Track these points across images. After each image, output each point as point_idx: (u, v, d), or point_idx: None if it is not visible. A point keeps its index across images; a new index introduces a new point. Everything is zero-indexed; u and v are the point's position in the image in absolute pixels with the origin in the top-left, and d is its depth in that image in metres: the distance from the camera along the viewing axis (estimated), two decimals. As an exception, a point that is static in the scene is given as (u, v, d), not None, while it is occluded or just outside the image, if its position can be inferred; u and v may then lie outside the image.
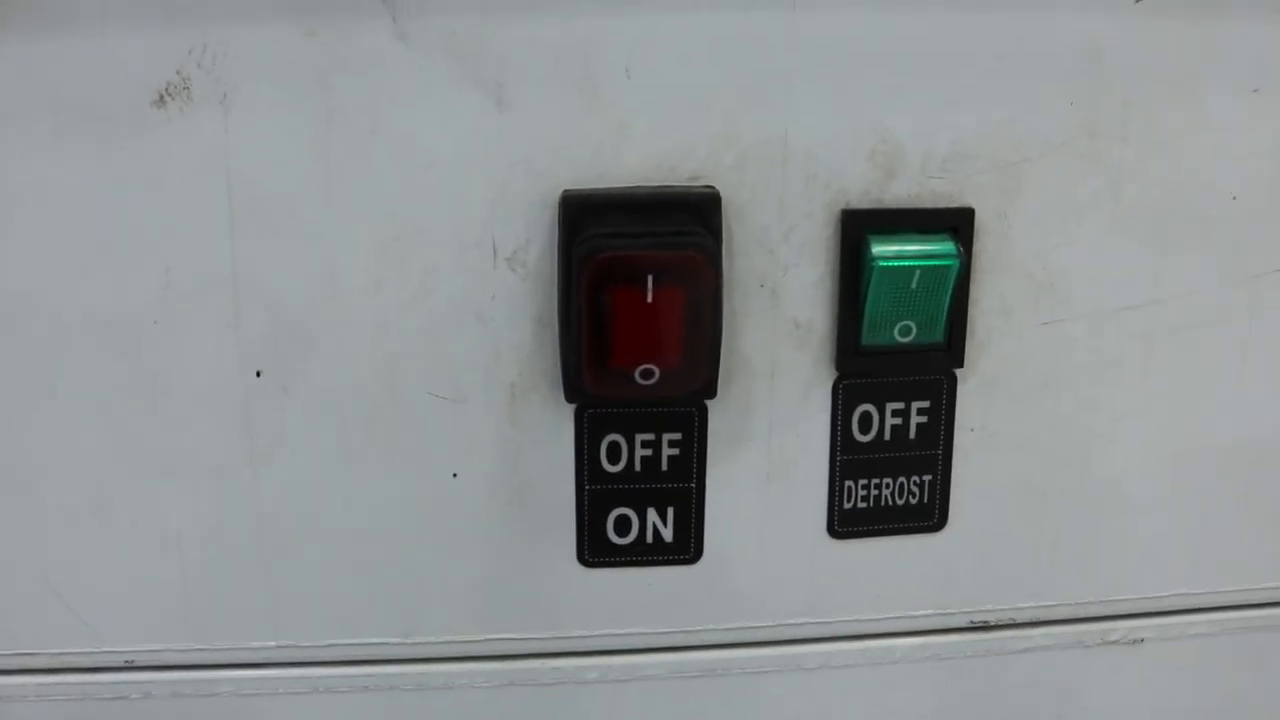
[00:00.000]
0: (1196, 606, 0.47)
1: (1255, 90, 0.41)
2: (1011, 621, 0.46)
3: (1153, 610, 0.47)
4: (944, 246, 0.40)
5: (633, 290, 0.37)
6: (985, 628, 0.46)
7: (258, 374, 0.40)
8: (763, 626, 0.45)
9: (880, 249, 0.40)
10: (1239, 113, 0.42)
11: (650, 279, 0.37)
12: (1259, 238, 0.43)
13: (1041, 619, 0.47)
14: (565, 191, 0.39)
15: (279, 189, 0.39)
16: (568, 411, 0.41)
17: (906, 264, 0.40)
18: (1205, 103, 0.42)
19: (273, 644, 0.43)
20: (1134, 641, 0.47)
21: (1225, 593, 0.47)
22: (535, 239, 0.40)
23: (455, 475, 0.42)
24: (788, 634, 0.45)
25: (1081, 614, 0.47)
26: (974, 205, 0.41)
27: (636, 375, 0.39)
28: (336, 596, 0.43)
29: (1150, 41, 0.41)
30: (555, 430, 0.41)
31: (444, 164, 0.39)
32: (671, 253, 0.37)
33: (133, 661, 0.43)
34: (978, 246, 0.41)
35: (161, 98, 0.38)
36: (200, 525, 0.41)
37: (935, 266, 0.40)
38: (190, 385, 0.40)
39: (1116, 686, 0.48)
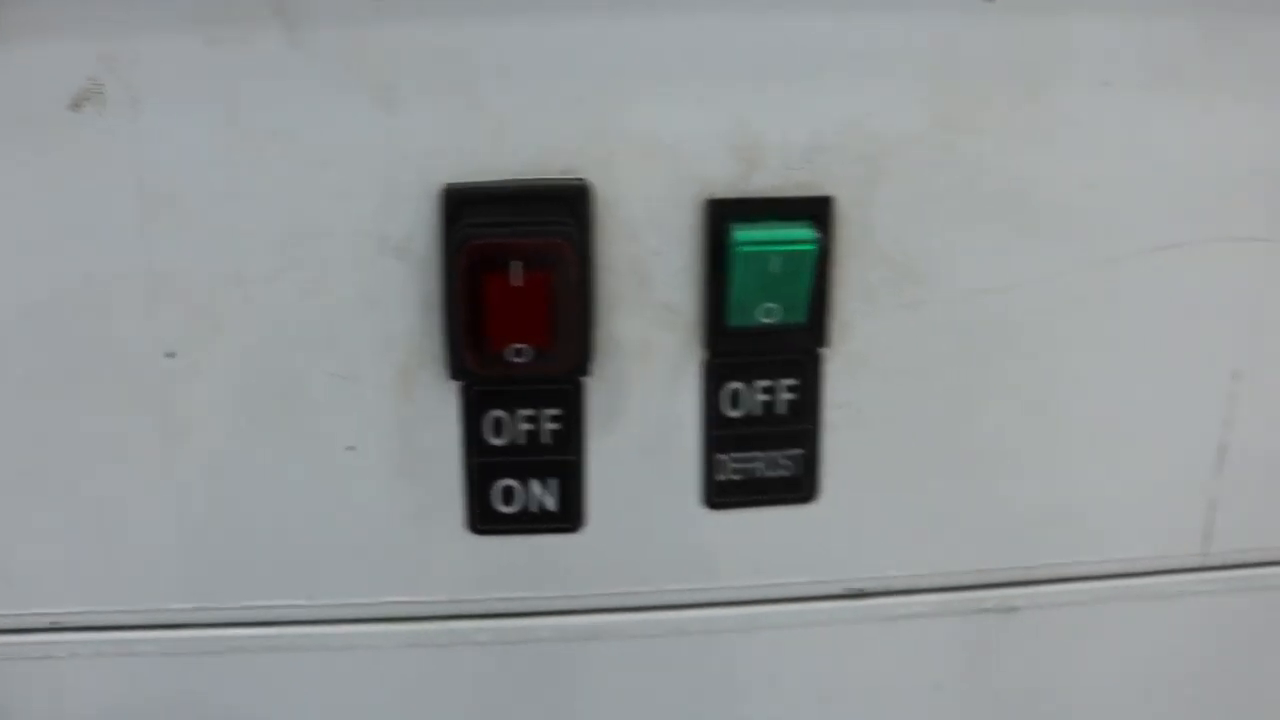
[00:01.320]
0: (1065, 576, 0.50)
1: (1106, 84, 0.44)
2: (887, 590, 0.49)
3: (1023, 580, 0.50)
4: (802, 233, 0.43)
5: (501, 275, 0.41)
6: (861, 595, 0.49)
7: (170, 355, 0.43)
8: (645, 592, 0.48)
9: (741, 235, 0.43)
10: (1092, 106, 0.44)
11: (517, 265, 0.41)
12: (1115, 224, 0.46)
13: (915, 587, 0.49)
14: (446, 185, 0.42)
15: (187, 187, 0.42)
16: (454, 389, 0.44)
17: (766, 249, 0.43)
18: (1058, 97, 0.44)
19: (190, 606, 0.46)
20: (1007, 610, 0.50)
21: (1092, 563, 0.50)
22: (421, 231, 0.43)
23: (352, 448, 0.45)
24: (670, 599, 0.48)
25: (953, 583, 0.49)
26: (833, 194, 0.44)
27: (510, 355, 0.42)
28: (247, 561, 0.46)
29: (1003, 38, 0.43)
30: (443, 406, 0.45)
31: (337, 162, 0.42)
32: (536, 240, 0.40)
33: (58, 623, 0.46)
34: (839, 233, 0.44)
35: (77, 102, 0.41)
36: (121, 496, 0.45)
37: (793, 251, 0.43)
38: (109, 368, 0.43)
39: (993, 653, 0.51)
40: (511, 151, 0.42)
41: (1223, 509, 0.50)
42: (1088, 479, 0.49)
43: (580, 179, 0.42)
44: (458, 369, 0.43)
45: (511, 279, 0.40)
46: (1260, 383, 0.48)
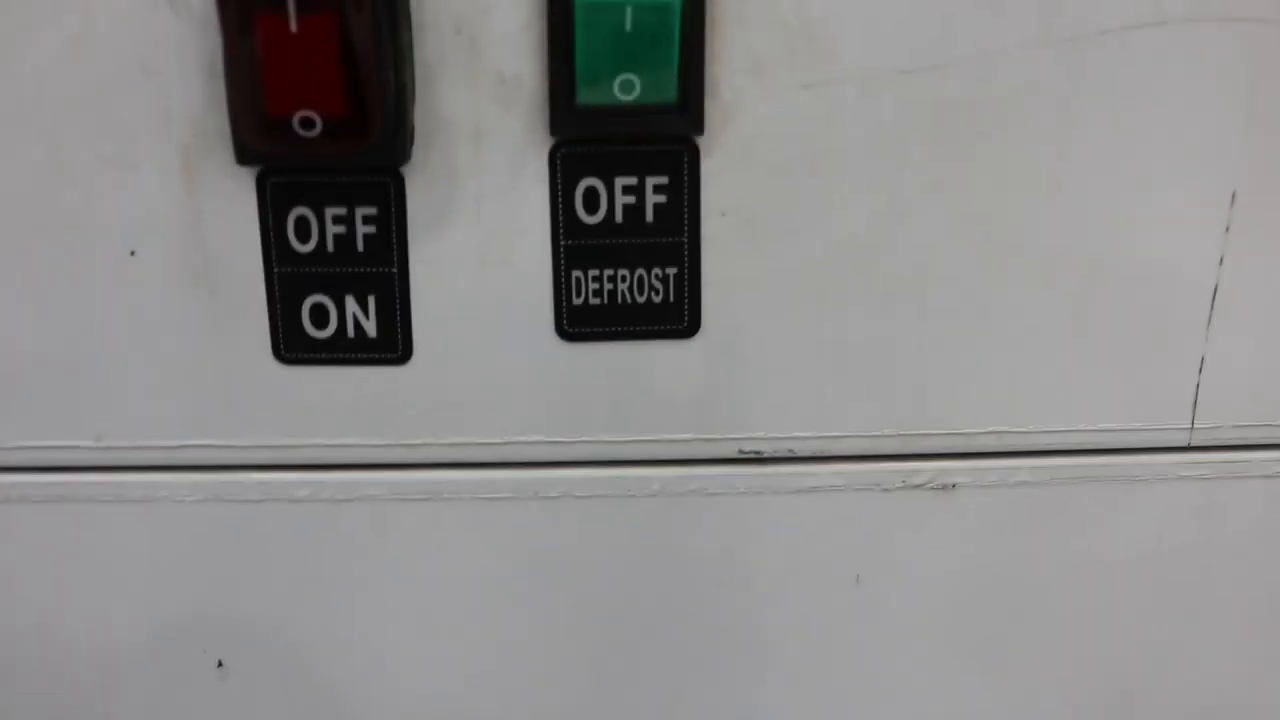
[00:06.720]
0: (1016, 449, 0.40)
1: None
2: (790, 454, 0.40)
3: (965, 450, 0.40)
4: (663, -19, 0.34)
5: (275, 16, 0.33)
6: (759, 459, 0.40)
7: (-82, 134, 0.37)
8: (492, 444, 0.39)
9: (586, -17, 0.34)
10: None
11: (292, 3, 0.33)
12: (1077, -9, 0.36)
13: (828, 453, 0.40)
14: (224, -84, 0.34)
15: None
16: (249, 179, 0.37)
17: (616, 1, 0.34)
18: None
19: (-45, 442, 0.40)
20: (943, 487, 0.41)
21: (1050, 434, 0.40)
22: (200, -23, 0.35)
23: (134, 253, 0.38)
24: (522, 454, 0.40)
25: (878, 450, 0.40)
26: (707, -64, 0.35)
27: (296, 124, 0.34)
28: (25, 396, 0.39)
29: None
30: (238, 200, 0.37)
31: (97, -112, 0.35)
32: (315, -29, 0.33)
33: None
34: (716, -13, 0.36)
35: None
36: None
37: (651, 4, 0.34)
38: None
39: (926, 540, 0.41)
40: (309, -122, 0.35)
41: (1211, 371, 0.40)
42: (1045, 326, 0.39)
43: (387, -91, 0.35)
44: (241, 147, 0.35)
45: (288, 22, 0.33)
46: (1261, 208, 0.38)
